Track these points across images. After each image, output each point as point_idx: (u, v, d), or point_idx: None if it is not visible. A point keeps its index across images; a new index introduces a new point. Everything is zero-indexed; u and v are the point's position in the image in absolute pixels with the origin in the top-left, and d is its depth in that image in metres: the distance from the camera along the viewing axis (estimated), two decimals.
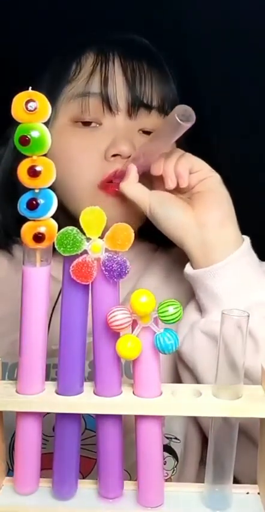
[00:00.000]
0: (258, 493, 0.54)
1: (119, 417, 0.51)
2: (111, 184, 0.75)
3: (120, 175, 0.74)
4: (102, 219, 0.46)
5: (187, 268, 0.71)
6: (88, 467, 0.74)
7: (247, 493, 0.53)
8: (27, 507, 0.51)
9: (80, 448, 0.52)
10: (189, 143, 0.81)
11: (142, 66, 0.77)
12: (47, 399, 0.50)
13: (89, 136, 0.77)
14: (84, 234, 0.46)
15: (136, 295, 0.46)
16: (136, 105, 0.76)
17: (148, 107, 0.76)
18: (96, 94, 0.76)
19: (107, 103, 0.76)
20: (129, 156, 0.74)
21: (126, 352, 0.47)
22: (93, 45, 0.79)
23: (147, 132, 0.77)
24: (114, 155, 0.75)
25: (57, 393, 0.50)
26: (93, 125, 0.77)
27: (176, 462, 0.76)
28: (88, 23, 0.87)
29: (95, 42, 0.79)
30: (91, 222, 0.46)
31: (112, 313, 0.46)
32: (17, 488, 0.52)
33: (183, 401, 0.49)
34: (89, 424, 0.72)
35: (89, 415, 0.71)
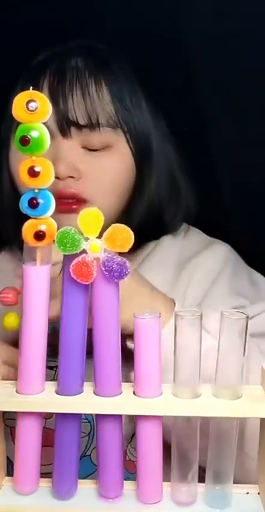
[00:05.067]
0: (258, 493, 0.54)
1: (119, 417, 0.51)
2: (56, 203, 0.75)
3: (62, 196, 0.75)
4: (99, 220, 0.46)
5: None
6: None
7: (247, 493, 0.54)
8: (27, 507, 0.52)
9: (80, 448, 0.52)
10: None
11: (64, 82, 0.76)
12: (47, 399, 0.50)
13: None
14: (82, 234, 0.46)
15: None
16: (64, 125, 0.76)
17: (77, 125, 0.76)
18: None
19: None
20: (70, 177, 0.75)
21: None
22: (34, 68, 0.79)
23: (91, 149, 0.77)
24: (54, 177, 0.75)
25: (57, 393, 0.50)
26: None
27: None
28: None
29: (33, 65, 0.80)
30: (89, 222, 0.46)
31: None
32: (17, 488, 0.52)
33: (183, 402, 0.50)
34: None
35: None
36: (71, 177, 0.76)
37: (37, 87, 0.76)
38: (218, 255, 0.86)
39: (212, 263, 0.84)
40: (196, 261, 0.85)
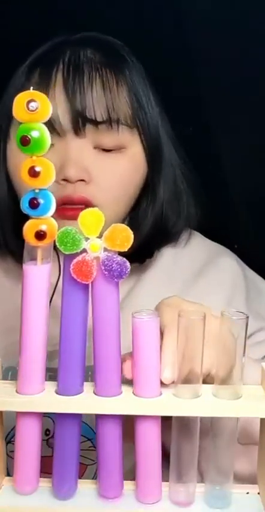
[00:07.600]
0: (258, 493, 0.54)
1: (119, 417, 0.51)
2: (64, 208, 0.71)
3: (71, 202, 0.71)
4: (100, 220, 0.46)
5: None
6: (79, 473, 0.73)
7: (247, 492, 0.54)
8: (27, 507, 0.52)
9: (80, 448, 0.52)
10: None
11: (82, 75, 0.72)
12: (47, 399, 0.50)
13: None
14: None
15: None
16: (80, 123, 0.71)
17: (94, 122, 0.71)
18: None
19: (50, 126, 0.69)
20: (81, 180, 0.71)
21: None
22: (41, 58, 0.75)
23: (106, 150, 0.73)
24: (63, 179, 0.71)
25: (57, 393, 0.50)
26: None
27: None
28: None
29: (43, 54, 0.76)
30: (89, 222, 0.46)
31: None
32: (17, 488, 0.53)
33: (183, 402, 0.50)
34: (82, 430, 0.72)
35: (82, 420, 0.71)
36: (82, 180, 0.72)
37: (49, 80, 0.71)
38: (227, 272, 0.83)
39: (223, 282, 0.82)
40: (204, 280, 0.82)
